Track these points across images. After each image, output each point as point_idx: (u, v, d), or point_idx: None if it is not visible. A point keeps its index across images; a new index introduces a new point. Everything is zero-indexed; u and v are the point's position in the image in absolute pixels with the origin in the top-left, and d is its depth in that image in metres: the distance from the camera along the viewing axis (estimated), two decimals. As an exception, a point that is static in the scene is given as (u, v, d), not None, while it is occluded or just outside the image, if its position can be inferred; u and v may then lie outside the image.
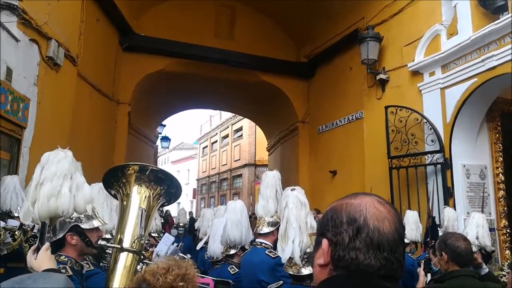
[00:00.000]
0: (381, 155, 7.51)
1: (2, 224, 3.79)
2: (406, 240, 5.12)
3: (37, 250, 1.80)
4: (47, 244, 1.82)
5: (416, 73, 7.28)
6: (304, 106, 11.76)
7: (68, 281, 1.04)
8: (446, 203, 6.19)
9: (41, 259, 1.77)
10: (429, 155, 6.71)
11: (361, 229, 0.97)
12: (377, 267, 0.95)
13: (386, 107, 7.36)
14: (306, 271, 2.52)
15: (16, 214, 4.30)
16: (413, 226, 5.23)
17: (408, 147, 7.00)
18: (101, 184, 2.97)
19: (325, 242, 1.01)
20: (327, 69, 10.68)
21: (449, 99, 6.62)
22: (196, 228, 7.54)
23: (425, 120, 6.86)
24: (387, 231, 0.97)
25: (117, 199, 2.27)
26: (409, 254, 4.98)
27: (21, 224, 3.93)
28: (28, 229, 3.97)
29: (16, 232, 3.82)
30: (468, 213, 5.81)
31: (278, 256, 2.95)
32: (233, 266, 3.67)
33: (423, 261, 3.98)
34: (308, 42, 11.40)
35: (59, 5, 6.32)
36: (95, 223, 2.23)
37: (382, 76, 8.00)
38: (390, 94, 7.96)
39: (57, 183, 1.87)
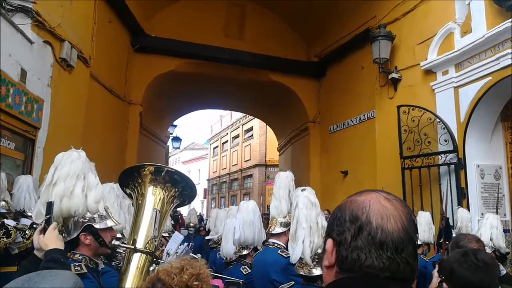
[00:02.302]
0: (393, 155, 7.43)
1: (13, 223, 3.84)
2: (418, 242, 5.06)
3: (44, 230, 1.79)
4: (54, 224, 1.81)
5: (429, 72, 7.19)
6: (315, 106, 11.71)
7: (76, 278, 1.04)
8: (460, 204, 6.11)
9: (48, 237, 1.76)
10: (442, 155, 6.62)
11: (363, 227, 0.91)
12: (380, 268, 0.89)
13: (399, 107, 7.29)
14: (317, 271, 2.51)
15: (29, 214, 4.35)
16: (425, 227, 5.16)
17: (421, 147, 6.92)
18: (111, 184, 3.00)
19: (329, 242, 0.98)
20: (338, 69, 10.62)
21: (463, 98, 6.53)
22: (206, 228, 7.54)
23: (438, 120, 6.77)
24: (392, 229, 0.90)
25: (132, 198, 2.28)
26: (421, 256, 4.92)
27: (32, 223, 3.98)
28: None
29: (27, 231, 3.87)
30: (482, 214, 5.71)
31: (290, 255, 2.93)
32: (246, 266, 3.67)
33: (437, 262, 3.92)
34: (319, 41, 11.34)
35: (72, 7, 6.39)
36: (109, 223, 2.24)
37: (394, 75, 7.92)
38: (402, 94, 7.88)
39: (70, 183, 1.88)
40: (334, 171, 10.25)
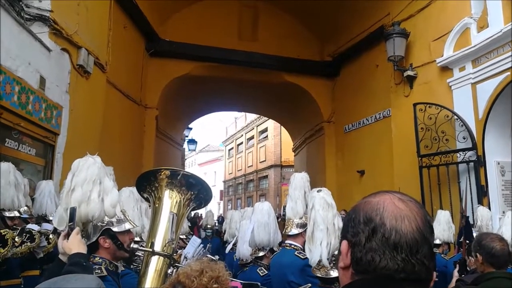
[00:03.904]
0: (411, 153, 7.34)
1: (37, 228, 3.93)
2: (438, 241, 4.98)
3: (67, 236, 1.85)
4: (77, 229, 1.87)
5: (446, 69, 7.08)
6: (330, 105, 11.65)
7: (99, 281, 1.08)
8: (480, 202, 5.99)
9: (71, 242, 1.82)
10: (461, 153, 6.51)
11: (377, 228, 0.91)
12: (394, 269, 0.88)
13: (415, 104, 7.20)
14: (334, 273, 2.49)
15: (51, 218, 4.45)
16: (445, 226, 5.09)
17: (438, 145, 6.82)
18: (131, 188, 3.05)
19: (344, 243, 0.98)
20: (352, 67, 10.54)
21: (481, 95, 6.40)
22: (223, 230, 7.59)
23: (456, 117, 6.66)
24: (406, 230, 0.90)
25: (149, 202, 2.31)
26: (442, 255, 4.85)
27: (55, 228, 4.08)
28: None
29: (51, 236, 3.96)
30: (503, 212, 5.60)
31: (307, 257, 2.93)
32: (262, 268, 3.67)
33: (458, 262, 3.87)
34: (332, 41, 11.29)
35: (88, 14, 6.52)
36: (127, 226, 2.28)
37: (409, 72, 7.82)
38: (418, 91, 7.77)
39: (87, 188, 1.93)
40: (350, 170, 10.17)
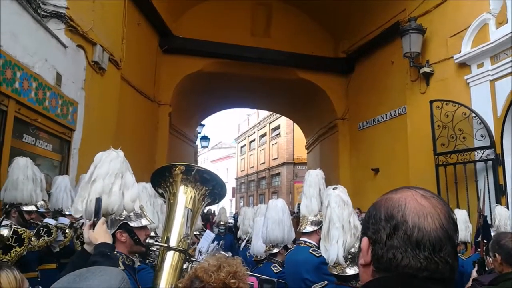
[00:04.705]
0: (427, 151, 7.23)
1: (54, 222, 3.99)
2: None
3: (93, 225, 1.86)
4: (103, 219, 1.88)
5: (463, 65, 6.94)
6: (343, 102, 11.55)
7: (123, 275, 1.08)
8: (498, 201, 5.87)
9: (97, 232, 1.83)
10: (478, 151, 6.39)
11: (399, 226, 0.89)
12: (417, 268, 0.86)
13: (431, 102, 7.08)
14: (351, 271, 2.47)
15: (67, 213, 4.52)
16: (462, 226, 5.00)
17: (455, 143, 6.70)
18: (144, 183, 3.06)
19: (364, 240, 0.96)
20: (367, 64, 10.42)
21: (500, 92, 6.26)
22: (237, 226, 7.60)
23: (473, 114, 6.53)
24: (429, 228, 0.87)
25: (164, 197, 2.31)
26: (458, 255, 4.77)
27: (72, 222, 4.14)
28: (78, 226, 4.17)
29: (67, 230, 4.02)
30: (523, 211, 5.46)
31: (322, 255, 2.90)
32: (277, 265, 3.66)
33: (477, 262, 3.79)
34: (346, 37, 11.17)
35: (103, 11, 6.57)
36: (144, 222, 2.29)
37: (426, 69, 7.69)
38: (435, 88, 7.64)
39: (109, 181, 1.94)
40: (364, 168, 10.08)
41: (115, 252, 2.18)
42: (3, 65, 4.21)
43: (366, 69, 10.47)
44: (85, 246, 1.89)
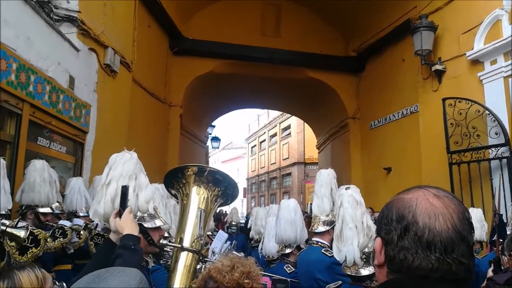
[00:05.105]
0: (440, 150, 7.15)
1: (69, 224, 4.04)
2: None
3: (119, 214, 1.85)
4: (130, 207, 1.87)
5: (476, 62, 6.85)
6: (354, 101, 11.48)
7: (142, 275, 1.10)
8: (514, 199, 5.78)
9: (124, 220, 1.81)
10: (493, 149, 6.29)
11: (409, 226, 0.88)
12: (428, 269, 0.85)
13: (444, 99, 7.00)
14: (365, 271, 2.46)
15: (81, 214, 4.57)
16: (477, 224, 4.92)
17: (469, 141, 6.61)
18: (156, 184, 3.09)
19: (377, 241, 0.96)
20: (378, 62, 10.34)
21: (514, 88, 6.16)
22: (248, 226, 7.61)
23: (487, 112, 6.43)
24: (440, 228, 0.86)
25: (177, 199, 2.33)
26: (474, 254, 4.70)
27: (86, 224, 4.19)
28: (92, 227, 4.22)
29: (82, 232, 4.07)
30: (539, 210, 5.36)
31: (334, 255, 2.89)
32: (289, 265, 3.66)
33: (493, 261, 3.73)
34: (356, 35, 11.10)
35: (114, 14, 6.64)
36: (157, 223, 2.31)
37: (438, 66, 7.60)
38: (447, 86, 7.55)
39: (123, 183, 1.95)
40: (376, 168, 10.00)
41: None
42: (18, 69, 4.28)
43: (377, 68, 10.39)
44: (111, 236, 1.88)
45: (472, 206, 5.93)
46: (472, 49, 6.82)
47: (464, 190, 6.62)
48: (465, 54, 6.98)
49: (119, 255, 1.64)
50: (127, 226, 1.79)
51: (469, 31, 6.98)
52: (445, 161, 6.95)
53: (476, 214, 5.00)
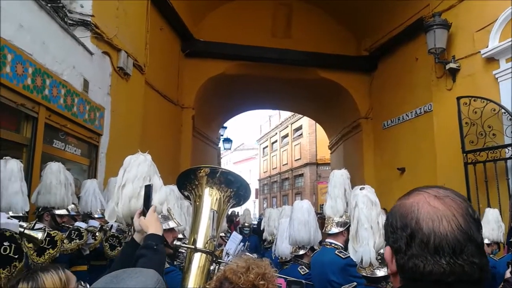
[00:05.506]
0: (454, 149, 7.05)
1: (85, 225, 4.10)
2: (487, 241, 4.75)
3: (143, 213, 1.86)
4: (154, 206, 1.89)
5: (491, 60, 6.74)
6: (367, 101, 11.40)
7: (159, 277, 1.11)
8: (532, 199, 5.66)
9: (148, 219, 1.82)
10: (509, 148, 6.18)
11: (414, 233, 0.87)
12: (440, 273, 0.84)
13: (458, 98, 6.90)
14: (380, 272, 2.43)
15: (96, 216, 4.63)
16: (494, 225, 4.84)
17: (485, 140, 6.50)
18: (171, 186, 3.11)
19: (387, 250, 0.95)
20: (390, 62, 10.25)
21: (531, 86, 6.04)
22: (262, 228, 7.61)
23: (503, 110, 6.32)
24: (445, 231, 0.85)
25: (190, 200, 2.34)
26: (491, 256, 4.62)
27: (101, 225, 4.24)
28: (107, 229, 4.27)
29: (97, 233, 4.12)
30: (557, 210, 5.25)
31: (349, 256, 2.87)
32: (303, 266, 3.65)
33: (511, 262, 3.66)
34: (368, 35, 11.02)
35: (126, 18, 6.71)
36: (171, 224, 2.33)
37: (452, 65, 7.50)
38: (462, 84, 7.45)
39: (137, 185, 1.98)
40: (389, 168, 9.90)
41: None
42: (33, 73, 4.36)
43: (390, 67, 10.29)
44: (135, 235, 1.89)
45: (489, 206, 5.84)
46: (487, 46, 6.72)
47: (480, 190, 6.52)
48: (479, 52, 6.88)
49: (141, 255, 1.65)
50: (151, 225, 1.81)
51: (484, 29, 6.88)
52: (460, 161, 6.84)
53: (492, 215, 4.92)
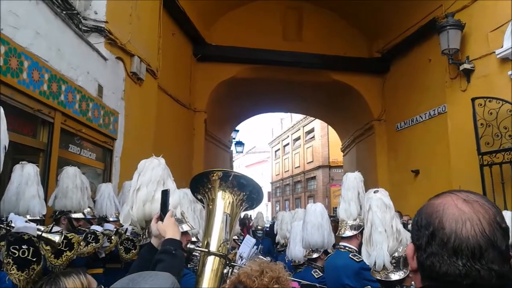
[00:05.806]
0: (470, 151, 6.94)
1: (101, 229, 4.15)
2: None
3: (160, 218, 1.86)
4: (171, 211, 1.89)
5: (506, 60, 6.64)
6: (380, 103, 11.32)
7: (174, 279, 1.13)
8: (550, 202, 5.54)
9: (166, 224, 1.81)
10: (526, 149, 6.07)
11: (436, 232, 0.88)
12: (455, 275, 0.84)
13: (473, 99, 6.80)
14: (395, 276, 2.41)
15: (111, 219, 4.68)
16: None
17: (501, 141, 6.39)
18: (185, 189, 3.14)
19: (410, 246, 0.96)
20: (403, 63, 10.17)
21: (548, 86, 5.93)
22: (275, 231, 7.60)
23: (519, 111, 6.22)
24: (467, 234, 0.84)
25: (203, 203, 2.36)
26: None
27: (117, 229, 4.29)
28: (122, 232, 4.31)
29: (113, 237, 4.17)
30: None
31: (362, 260, 2.85)
32: (317, 270, 3.63)
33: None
34: (380, 36, 10.96)
35: (139, 23, 6.80)
36: (184, 227, 2.34)
37: (466, 66, 7.41)
38: (476, 85, 7.34)
39: (152, 188, 2.00)
40: (403, 170, 9.81)
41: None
42: (49, 79, 4.45)
43: (402, 68, 10.21)
44: (152, 240, 1.89)
45: (505, 209, 5.73)
46: (502, 47, 6.62)
47: (497, 192, 6.40)
48: (494, 52, 6.79)
49: (160, 260, 1.64)
50: (169, 229, 1.80)
51: (498, 29, 6.78)
52: (476, 162, 6.74)
53: (509, 217, 4.83)
